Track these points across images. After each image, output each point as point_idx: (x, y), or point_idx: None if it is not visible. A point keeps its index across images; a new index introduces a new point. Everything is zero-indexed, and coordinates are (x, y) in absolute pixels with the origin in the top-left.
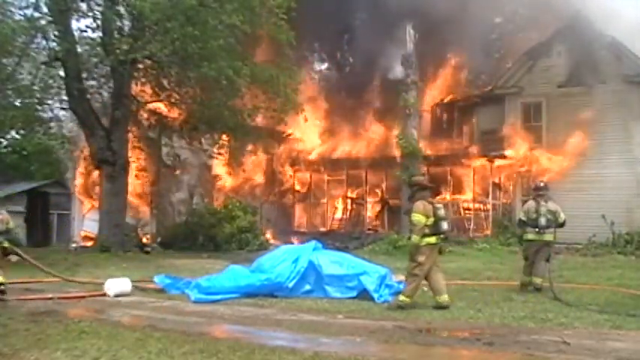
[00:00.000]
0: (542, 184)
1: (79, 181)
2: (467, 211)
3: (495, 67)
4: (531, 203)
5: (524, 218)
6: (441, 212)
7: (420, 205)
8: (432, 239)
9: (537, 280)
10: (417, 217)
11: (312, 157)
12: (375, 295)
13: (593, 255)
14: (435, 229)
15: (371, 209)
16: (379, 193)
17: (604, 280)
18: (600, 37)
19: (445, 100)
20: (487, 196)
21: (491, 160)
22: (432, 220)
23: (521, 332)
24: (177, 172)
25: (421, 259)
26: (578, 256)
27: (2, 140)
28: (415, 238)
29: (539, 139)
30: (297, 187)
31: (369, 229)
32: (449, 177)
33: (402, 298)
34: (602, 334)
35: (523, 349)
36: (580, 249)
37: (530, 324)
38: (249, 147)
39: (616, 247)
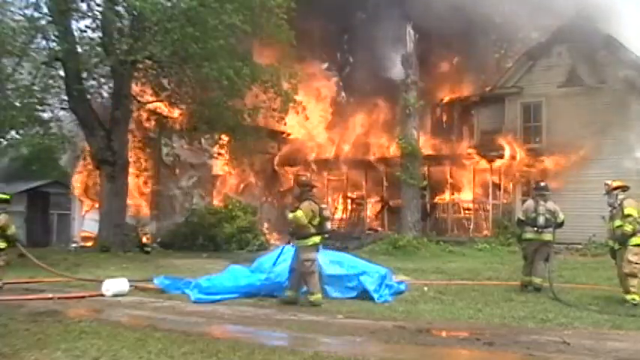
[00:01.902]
0: (542, 184)
1: (76, 180)
2: (467, 211)
3: (495, 67)
4: (530, 202)
5: (522, 217)
6: (326, 213)
7: (307, 205)
8: (317, 239)
9: (537, 280)
10: (300, 214)
11: (312, 157)
12: (375, 295)
13: (593, 255)
14: (320, 229)
15: (371, 209)
16: (379, 194)
17: (604, 280)
18: (600, 37)
19: (445, 100)
20: (487, 196)
21: (491, 160)
22: (318, 220)
23: (521, 332)
24: (177, 172)
25: (312, 256)
26: (578, 256)
27: (2, 140)
28: (292, 215)
29: (539, 139)
30: None
31: (369, 229)
32: (449, 177)
33: (313, 298)
34: (602, 334)
35: (523, 349)
36: (580, 249)
37: (530, 324)
38: (250, 147)
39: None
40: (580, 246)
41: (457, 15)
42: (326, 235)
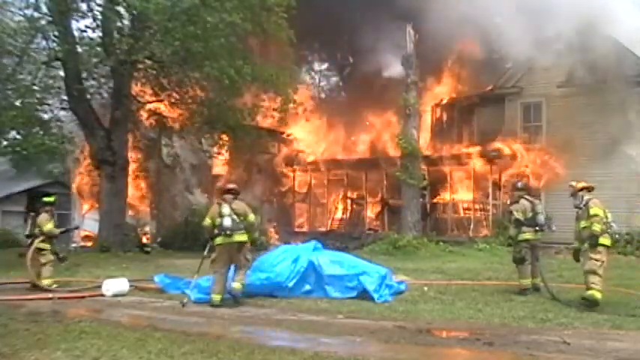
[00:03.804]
0: (523, 184)
1: (77, 179)
2: (467, 211)
3: (495, 67)
4: (526, 202)
5: (521, 218)
6: (225, 210)
7: (214, 208)
8: (219, 239)
9: (536, 281)
10: (205, 220)
11: (312, 157)
12: (375, 295)
13: None
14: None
15: (371, 209)
16: (379, 193)
17: (604, 280)
18: (600, 37)
19: (445, 100)
20: (487, 197)
21: (491, 161)
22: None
23: (521, 332)
24: (177, 171)
25: (213, 256)
26: None
27: (2, 140)
28: (207, 221)
29: (539, 139)
30: (297, 187)
31: (369, 229)
32: (449, 177)
33: (213, 296)
34: (602, 334)
35: (523, 349)
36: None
37: (530, 324)
38: (250, 146)
39: (616, 247)
40: None
41: (457, 15)
42: (227, 233)
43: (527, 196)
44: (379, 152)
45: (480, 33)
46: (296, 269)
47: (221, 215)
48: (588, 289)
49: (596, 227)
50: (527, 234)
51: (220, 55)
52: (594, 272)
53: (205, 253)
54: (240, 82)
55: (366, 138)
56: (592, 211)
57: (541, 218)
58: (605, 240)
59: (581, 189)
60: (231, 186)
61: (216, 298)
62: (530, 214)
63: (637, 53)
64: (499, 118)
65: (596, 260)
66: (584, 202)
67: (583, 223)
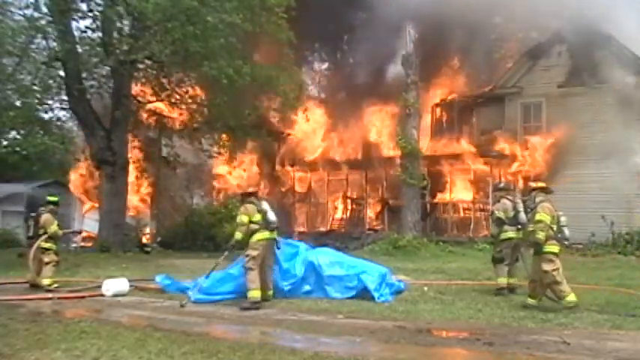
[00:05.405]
0: (503, 184)
1: (76, 179)
2: (467, 211)
3: (495, 67)
4: (507, 202)
5: (502, 217)
6: (265, 206)
7: (247, 206)
8: (265, 234)
9: (512, 280)
10: (241, 218)
11: (312, 157)
12: (376, 295)
13: (593, 255)
14: (265, 225)
15: (371, 209)
16: (379, 194)
17: (604, 280)
18: (600, 37)
19: (445, 100)
20: (487, 197)
21: (490, 161)
22: (259, 215)
23: (521, 332)
24: (177, 171)
25: (253, 253)
26: (578, 256)
27: (2, 140)
28: (238, 234)
29: (539, 139)
30: (297, 187)
31: (369, 229)
32: (449, 177)
33: (248, 294)
34: (602, 334)
35: (523, 349)
36: (580, 249)
37: (530, 324)
38: (250, 147)
39: (616, 247)
40: (580, 246)
41: (457, 15)
42: (272, 227)
43: (508, 196)
44: (379, 152)
45: (480, 33)
46: (293, 273)
47: (261, 211)
48: (560, 298)
49: (540, 235)
50: (510, 232)
51: (220, 55)
52: (556, 282)
53: (221, 259)
54: (239, 83)
55: (366, 138)
56: (537, 217)
57: (522, 217)
58: (552, 247)
59: (534, 189)
60: (252, 189)
61: (257, 294)
62: (512, 213)
63: (637, 53)
64: (499, 118)
65: (552, 271)
66: (534, 204)
67: (530, 227)
